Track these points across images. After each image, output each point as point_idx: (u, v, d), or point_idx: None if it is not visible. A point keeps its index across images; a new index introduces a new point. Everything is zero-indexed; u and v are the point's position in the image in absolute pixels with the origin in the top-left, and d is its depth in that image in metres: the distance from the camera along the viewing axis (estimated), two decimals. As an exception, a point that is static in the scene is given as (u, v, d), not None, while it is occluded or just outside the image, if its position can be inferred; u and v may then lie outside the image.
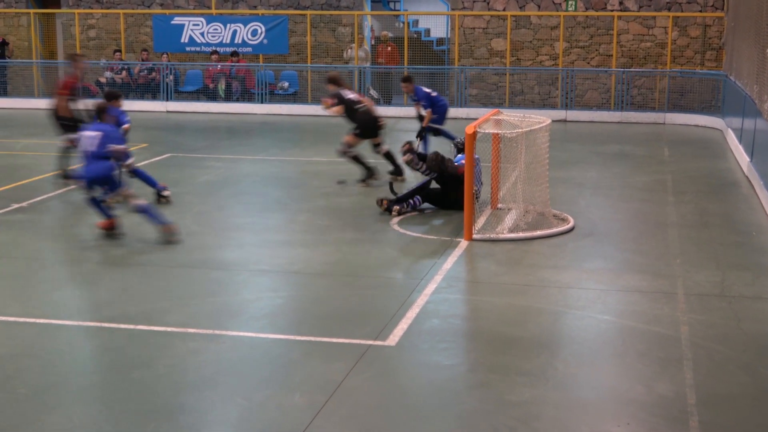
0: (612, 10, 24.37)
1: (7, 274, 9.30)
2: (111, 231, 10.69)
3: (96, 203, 10.66)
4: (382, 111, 23.68)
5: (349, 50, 25.05)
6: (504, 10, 24.85)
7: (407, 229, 11.09)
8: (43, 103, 25.43)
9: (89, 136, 10.53)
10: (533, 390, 6.48)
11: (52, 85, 26.86)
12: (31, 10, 27.19)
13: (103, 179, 10.44)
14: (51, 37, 27.95)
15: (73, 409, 6.20)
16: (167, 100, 24.77)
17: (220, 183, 14.04)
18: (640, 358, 7.10)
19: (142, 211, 10.58)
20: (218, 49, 25.20)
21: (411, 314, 8.03)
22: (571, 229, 11.14)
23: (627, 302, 8.48)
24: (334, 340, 7.43)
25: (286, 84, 25.25)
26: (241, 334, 7.64)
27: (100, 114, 10.87)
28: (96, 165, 10.43)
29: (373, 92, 24.65)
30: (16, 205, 12.39)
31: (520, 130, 11.20)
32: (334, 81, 14.05)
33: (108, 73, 25.64)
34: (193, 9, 26.61)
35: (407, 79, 15.98)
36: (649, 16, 24.12)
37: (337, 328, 7.72)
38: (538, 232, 10.83)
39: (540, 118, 11.68)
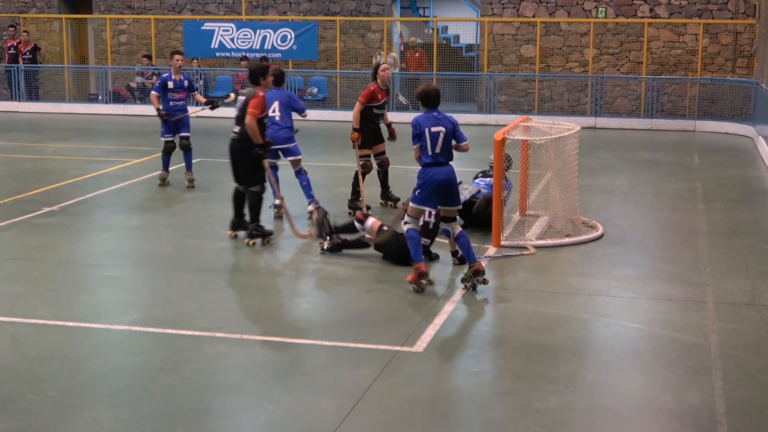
0: (642, 17, 24.27)
1: (37, 277, 9.37)
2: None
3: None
4: (411, 117, 23.73)
5: (378, 56, 25.07)
6: (534, 16, 24.80)
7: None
8: (73, 108, 25.64)
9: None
10: (561, 397, 6.46)
11: (82, 90, 27.08)
12: (63, 15, 27.41)
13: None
14: (82, 42, 28.15)
15: (101, 411, 6.24)
16: (197, 105, 24.86)
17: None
18: (669, 367, 7.05)
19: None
20: (248, 54, 25.31)
21: (438, 321, 8.02)
22: (600, 237, 11.09)
23: (656, 310, 8.43)
24: (362, 345, 7.42)
25: (315, 90, 25.33)
26: (269, 338, 7.66)
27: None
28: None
29: (401, 98, 24.66)
30: (46, 209, 12.49)
31: (549, 137, 11.17)
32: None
33: (138, 78, 25.81)
34: (224, 15, 26.74)
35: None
36: (679, 23, 24.00)
37: (365, 333, 7.72)
38: (567, 239, 10.79)
39: (569, 125, 11.64)
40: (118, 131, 21.65)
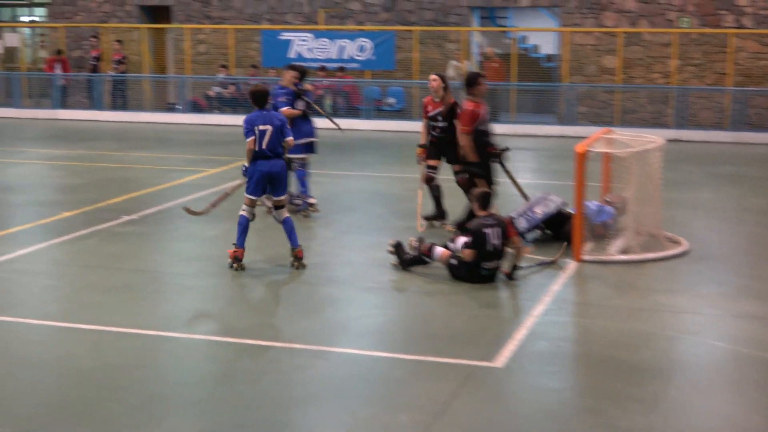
0: (728, 28, 23.91)
1: (117, 286, 9.52)
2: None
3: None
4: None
5: (451, 67, 25.03)
6: (615, 26, 24.58)
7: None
8: (153, 117, 26.06)
9: None
10: (645, 417, 6.36)
11: (161, 99, 27.51)
12: (143, 25, 27.89)
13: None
14: (161, 51, 28.62)
15: (181, 421, 6.31)
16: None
17: (325, 199, 14.13)
18: (757, 387, 6.92)
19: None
20: (325, 64, 25.48)
21: (519, 336, 7.97)
22: (685, 252, 10.93)
23: (743, 329, 8.28)
24: (441, 359, 7.41)
25: (393, 100, 25.39)
26: (348, 351, 7.68)
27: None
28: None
29: (479, 109, 24.58)
30: (126, 218, 12.69)
31: (632, 150, 11.05)
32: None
33: (216, 88, 26.14)
34: (301, 24, 26.97)
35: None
36: (766, 33, 23.59)
37: (444, 347, 7.70)
38: (651, 255, 10.66)
39: (652, 138, 11.51)
40: (197, 140, 21.94)
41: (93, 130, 23.96)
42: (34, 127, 24.63)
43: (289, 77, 12.84)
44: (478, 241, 9.47)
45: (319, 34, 25.62)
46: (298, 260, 10.23)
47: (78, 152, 19.56)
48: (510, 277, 9.61)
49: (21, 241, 11.34)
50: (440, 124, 11.97)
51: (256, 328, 8.17)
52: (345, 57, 25.45)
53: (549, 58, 27.53)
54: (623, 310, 8.80)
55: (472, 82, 11.38)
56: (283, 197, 10.28)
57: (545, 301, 8.98)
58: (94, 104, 26.81)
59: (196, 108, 26.35)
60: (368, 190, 15.24)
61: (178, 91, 27.05)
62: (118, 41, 27.41)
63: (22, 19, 31.45)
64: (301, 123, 12.91)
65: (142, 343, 7.81)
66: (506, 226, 9.61)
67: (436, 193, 12.29)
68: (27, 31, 29.91)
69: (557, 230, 11.22)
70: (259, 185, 10.12)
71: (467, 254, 9.45)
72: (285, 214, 10.30)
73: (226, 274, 10.07)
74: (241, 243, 10.13)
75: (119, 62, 27.01)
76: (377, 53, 25.23)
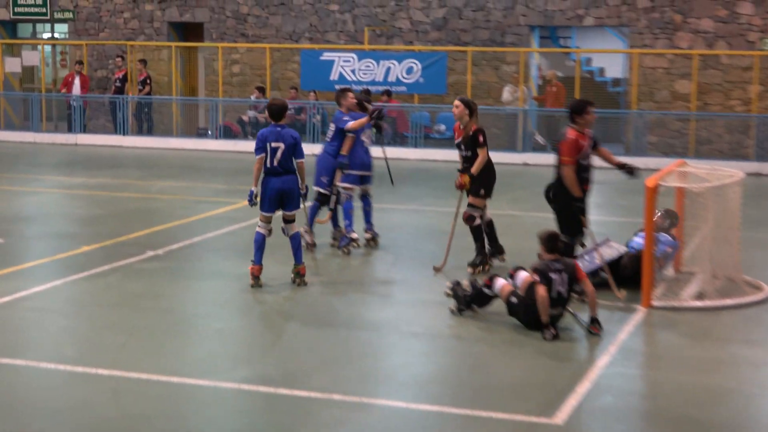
0: (816, 50, 23.75)
1: (140, 327, 9.56)
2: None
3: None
4: (549, 159, 23.60)
5: (506, 91, 25.02)
6: (689, 48, 24.48)
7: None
8: (181, 143, 26.26)
9: None
10: (723, 483, 6.26)
11: (191, 124, 27.74)
12: (173, 44, 28.18)
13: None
14: (192, 72, 28.91)
15: (207, 478, 6.30)
16: (313, 142, 25.23)
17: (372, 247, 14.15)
18: None
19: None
20: (370, 87, 25.52)
21: (581, 389, 7.89)
22: (767, 299, 10.80)
23: (833, 386, 8.15)
24: (494, 414, 7.34)
25: (443, 127, 25.41)
26: (390, 403, 7.64)
27: None
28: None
29: (538, 138, 24.57)
30: (151, 252, 12.77)
31: (708, 185, 10.96)
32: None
33: (251, 112, 26.30)
34: (344, 44, 27.13)
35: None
36: None
37: (497, 400, 7.64)
38: (729, 301, 10.54)
39: (731, 171, 11.41)
40: (229, 169, 22.08)
41: (116, 157, 24.21)
42: (52, 153, 24.95)
43: (349, 103, 13.11)
44: (543, 282, 9.42)
45: (363, 55, 25.73)
46: (300, 277, 11.12)
47: (99, 180, 19.77)
48: (593, 332, 9.43)
49: (36, 277, 11.44)
50: (464, 153, 12.05)
51: (289, 376, 8.16)
52: (391, 79, 25.50)
53: (616, 82, 27.49)
54: (697, 362, 8.69)
55: (579, 109, 11.23)
56: (293, 213, 11.10)
57: (611, 351, 8.89)
58: (118, 129, 27.08)
59: (228, 134, 26.55)
60: (416, 224, 15.23)
61: (209, 115, 27.28)
62: (141, 61, 27.70)
63: (43, 36, 31.92)
64: (361, 152, 13.23)
65: (165, 391, 7.82)
66: (575, 270, 9.51)
67: (487, 230, 12.24)
68: (47, 48, 30.31)
69: (616, 273, 11.12)
70: (272, 202, 10.98)
71: (540, 293, 9.28)
72: (294, 229, 11.15)
73: (258, 315, 10.08)
74: (258, 260, 11.02)
75: (143, 83, 27.29)
76: (427, 75, 25.25)
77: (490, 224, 12.29)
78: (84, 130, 27.44)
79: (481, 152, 11.82)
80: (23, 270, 11.84)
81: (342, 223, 13.28)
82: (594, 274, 10.97)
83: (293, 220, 11.14)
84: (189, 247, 13.34)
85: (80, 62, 28.18)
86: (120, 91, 27.51)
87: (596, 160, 11.27)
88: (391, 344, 9.23)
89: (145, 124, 27.28)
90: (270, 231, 11.16)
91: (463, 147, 11.98)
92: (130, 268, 12.01)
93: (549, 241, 9.70)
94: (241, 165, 22.73)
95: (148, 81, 27.38)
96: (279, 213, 11.13)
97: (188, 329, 9.65)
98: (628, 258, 11.13)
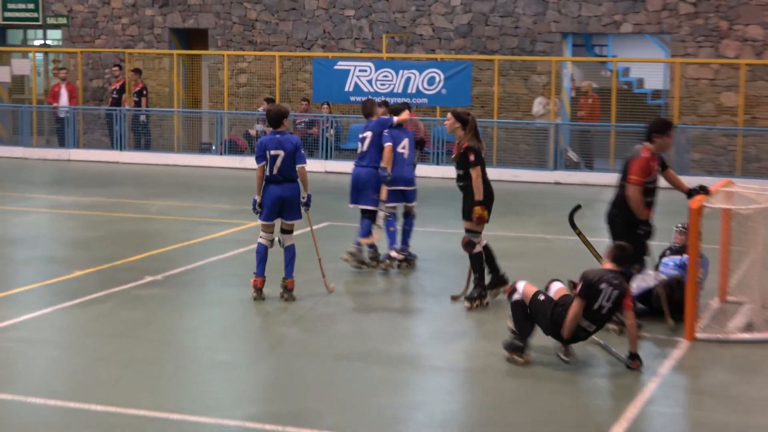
0: None
1: (137, 359, 9.56)
2: None
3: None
4: (583, 177, 23.66)
5: (537, 104, 25.00)
6: (736, 57, 24.44)
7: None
8: (183, 159, 26.32)
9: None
10: None
11: (193, 138, 27.80)
12: (175, 51, 28.29)
13: None
14: (195, 82, 28.96)
15: None
16: (327, 158, 25.29)
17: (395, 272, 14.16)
18: None
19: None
20: (388, 99, 25.50)
21: (618, 429, 7.86)
22: (822, 332, 10.75)
23: None
24: (523, 457, 7.33)
25: (467, 142, 25.44)
26: (410, 444, 7.62)
27: None
28: None
29: (571, 155, 24.54)
30: (149, 278, 12.78)
31: (757, 206, 10.92)
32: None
33: (258, 126, 26.27)
34: (361, 52, 27.19)
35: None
36: None
37: (527, 442, 7.62)
38: (780, 334, 10.50)
39: (782, 192, 11.38)
40: (234, 187, 22.12)
41: (112, 174, 24.29)
42: (43, 170, 25.03)
43: (379, 112, 13.93)
44: (588, 293, 9.34)
45: (381, 64, 25.77)
46: (287, 292, 11.71)
47: (93, 200, 19.82)
48: (632, 368, 9.36)
49: (25, 304, 11.46)
50: (458, 171, 11.79)
51: (299, 414, 8.14)
52: (411, 91, 25.50)
53: (656, 94, 27.45)
54: (746, 401, 8.65)
55: (660, 129, 10.80)
56: (292, 222, 11.80)
57: (651, 388, 8.86)
58: (114, 143, 27.15)
59: (234, 149, 26.60)
60: (439, 248, 15.20)
61: (213, 129, 27.35)
62: (135, 71, 27.74)
63: (34, 42, 32.04)
64: (400, 164, 13.62)
65: (164, 429, 7.81)
66: (625, 295, 9.39)
67: (486, 256, 11.95)
68: (39, 56, 30.40)
69: (650, 303, 11.07)
70: (272, 210, 11.67)
71: (575, 307, 9.25)
72: (291, 240, 11.81)
73: (265, 346, 10.07)
74: (260, 272, 11.72)
75: (139, 94, 27.32)
76: (450, 86, 25.26)
77: (487, 250, 11.98)
78: (77, 144, 27.51)
79: (473, 172, 11.46)
80: (11, 296, 11.87)
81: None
82: (643, 297, 10.95)
83: (291, 231, 11.86)
84: (190, 272, 13.35)
85: (63, 68, 28.24)
86: (117, 102, 27.56)
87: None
88: (409, 380, 9.20)
89: (143, 139, 27.33)
90: (272, 242, 11.82)
91: (456, 165, 11.74)
92: (126, 294, 12.03)
93: (617, 249, 9.71)
94: (247, 183, 22.71)
95: (144, 92, 27.40)
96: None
97: (189, 362, 9.64)
98: (663, 286, 11.06)
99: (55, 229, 16.92)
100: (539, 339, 9.69)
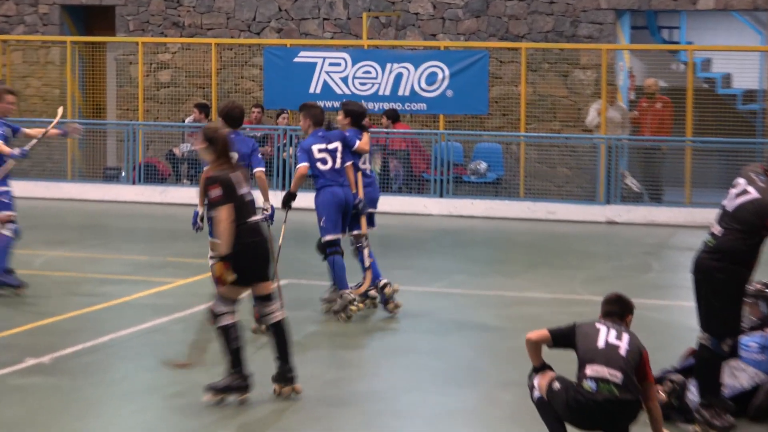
0: None
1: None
2: None
3: None
4: (647, 214, 23.60)
5: (594, 110, 24.95)
6: None
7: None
8: (79, 191, 26.21)
9: None
10: None
11: (94, 161, 27.69)
12: (68, 38, 28.23)
13: None
14: (98, 81, 28.86)
15: None
16: (282, 188, 25.14)
17: (370, 334, 14.10)
18: None
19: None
20: (368, 104, 25.29)
21: None
22: None
23: None
24: None
25: (483, 165, 25.33)
26: None
27: None
28: None
29: (630, 182, 24.51)
30: (33, 361, 12.69)
31: None
32: None
33: (185, 146, 26.06)
34: (332, 39, 27.14)
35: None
36: None
37: None
38: None
39: None
40: (154, 231, 22.07)
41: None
42: None
43: (341, 122, 15.43)
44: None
45: (360, 55, 25.71)
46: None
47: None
48: None
49: None
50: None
51: None
52: (404, 93, 25.44)
53: (749, 96, 27.44)
54: None
55: None
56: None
57: None
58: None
59: (152, 176, 26.49)
60: (441, 316, 15.15)
61: (123, 148, 27.22)
62: None
63: None
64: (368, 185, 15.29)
65: None
66: (642, 360, 9.51)
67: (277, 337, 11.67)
68: None
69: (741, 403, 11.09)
70: None
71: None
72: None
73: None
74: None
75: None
76: (458, 86, 25.20)
77: (277, 327, 11.51)
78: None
79: (216, 214, 11.00)
80: None
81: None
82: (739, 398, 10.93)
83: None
84: (89, 351, 13.27)
85: None
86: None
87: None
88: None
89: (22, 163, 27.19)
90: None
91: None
92: (0, 384, 11.97)
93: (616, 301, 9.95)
94: (172, 224, 22.68)
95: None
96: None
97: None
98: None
99: None
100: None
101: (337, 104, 25.49)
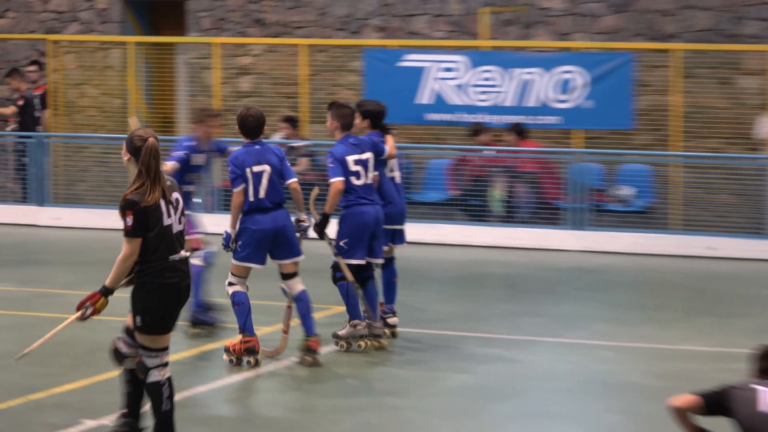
0: None
1: None
2: None
3: None
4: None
5: (761, 125, 24.79)
6: None
7: None
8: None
9: None
10: None
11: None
12: (131, 38, 28.42)
13: None
14: (166, 90, 29.03)
15: None
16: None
17: (488, 391, 13.99)
18: None
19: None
20: (489, 117, 25.24)
21: None
22: None
23: None
24: None
25: (629, 191, 25.22)
26: None
27: None
28: None
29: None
30: (90, 423, 12.70)
31: None
32: None
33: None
34: (442, 39, 27.10)
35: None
36: None
37: None
38: None
39: None
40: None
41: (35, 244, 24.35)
42: None
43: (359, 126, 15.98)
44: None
45: (479, 58, 25.68)
46: (311, 353, 14.35)
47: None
48: None
49: None
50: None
51: None
52: (531, 103, 25.40)
53: None
54: None
55: None
56: (288, 261, 14.27)
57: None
58: (29, 194, 27.17)
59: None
60: (577, 375, 15.04)
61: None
62: (35, 63, 27.84)
63: None
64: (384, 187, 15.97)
65: None
66: None
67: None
68: None
69: None
70: (260, 248, 14.20)
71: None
72: (299, 286, 14.32)
73: None
74: (250, 328, 14.31)
75: (24, 107, 27.26)
76: (597, 96, 25.13)
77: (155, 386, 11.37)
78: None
79: (125, 247, 10.72)
80: None
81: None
82: None
83: (295, 274, 14.40)
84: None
85: None
86: (32, 121, 27.49)
87: None
88: None
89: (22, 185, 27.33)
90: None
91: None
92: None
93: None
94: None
95: (38, 101, 27.53)
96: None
97: None
98: None
99: None
100: None
101: (450, 118, 25.66)
